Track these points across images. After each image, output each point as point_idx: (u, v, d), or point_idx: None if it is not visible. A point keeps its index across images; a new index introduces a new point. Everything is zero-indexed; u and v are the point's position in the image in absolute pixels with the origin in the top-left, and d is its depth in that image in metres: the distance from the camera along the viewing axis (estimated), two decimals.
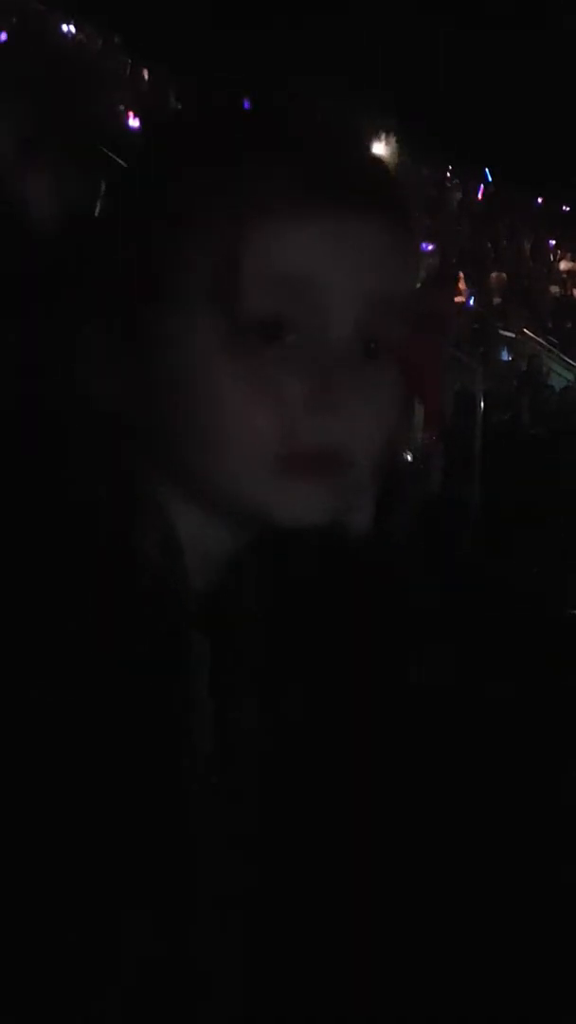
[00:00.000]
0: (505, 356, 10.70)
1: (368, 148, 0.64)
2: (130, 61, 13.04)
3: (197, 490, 0.62)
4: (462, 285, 11.53)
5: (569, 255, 15.40)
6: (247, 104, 0.66)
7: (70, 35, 12.75)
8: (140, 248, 0.61)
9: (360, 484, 0.62)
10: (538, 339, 11.46)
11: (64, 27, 12.68)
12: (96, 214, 0.67)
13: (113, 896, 0.57)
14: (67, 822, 0.55)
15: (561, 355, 11.49)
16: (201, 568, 0.64)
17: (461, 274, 11.52)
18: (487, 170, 15.50)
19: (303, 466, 0.59)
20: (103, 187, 0.68)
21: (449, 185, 14.97)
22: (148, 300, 0.60)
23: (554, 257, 15.33)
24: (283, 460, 0.58)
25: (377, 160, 0.63)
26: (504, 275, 12.13)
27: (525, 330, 11.45)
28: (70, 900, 0.55)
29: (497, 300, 11.66)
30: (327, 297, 0.59)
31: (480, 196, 15.64)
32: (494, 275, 11.98)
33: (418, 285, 0.66)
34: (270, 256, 0.58)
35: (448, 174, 15.20)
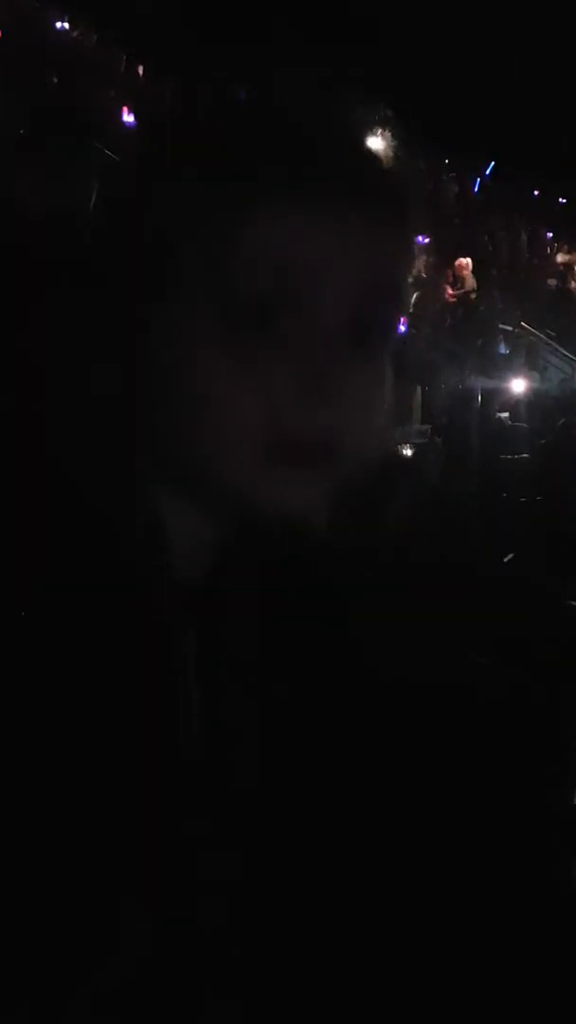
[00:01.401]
0: (503, 349, 10.70)
1: (364, 139, 0.64)
2: (125, 57, 13.00)
3: (186, 478, 0.62)
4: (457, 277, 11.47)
5: (566, 247, 15.37)
6: (244, 95, 0.66)
7: (64, 31, 12.72)
8: (137, 235, 0.61)
9: (348, 474, 0.62)
10: (536, 332, 11.45)
11: (59, 24, 12.65)
12: (95, 204, 0.67)
13: (103, 886, 0.57)
14: (55, 811, 0.56)
15: (559, 348, 11.48)
16: (190, 559, 0.64)
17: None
18: (484, 162, 15.47)
19: (291, 454, 0.59)
20: (102, 177, 0.68)
21: (446, 178, 14.93)
22: (144, 286, 0.61)
23: (551, 249, 15.30)
24: (271, 448, 0.59)
25: (373, 151, 0.63)
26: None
27: (523, 323, 11.44)
28: (58, 891, 0.56)
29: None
30: (319, 286, 0.59)
31: (476, 188, 15.61)
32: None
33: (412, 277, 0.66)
34: (263, 244, 0.58)
35: (445, 166, 15.16)
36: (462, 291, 11.32)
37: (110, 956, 0.58)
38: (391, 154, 0.63)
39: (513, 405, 8.35)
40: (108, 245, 0.63)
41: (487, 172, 15.37)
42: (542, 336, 11.51)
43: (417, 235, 0.65)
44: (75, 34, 12.87)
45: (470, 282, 11.41)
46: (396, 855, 0.83)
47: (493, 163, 15.19)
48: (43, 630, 0.57)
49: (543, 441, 6.23)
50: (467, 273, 11.52)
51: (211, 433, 0.59)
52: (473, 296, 11.29)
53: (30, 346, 0.64)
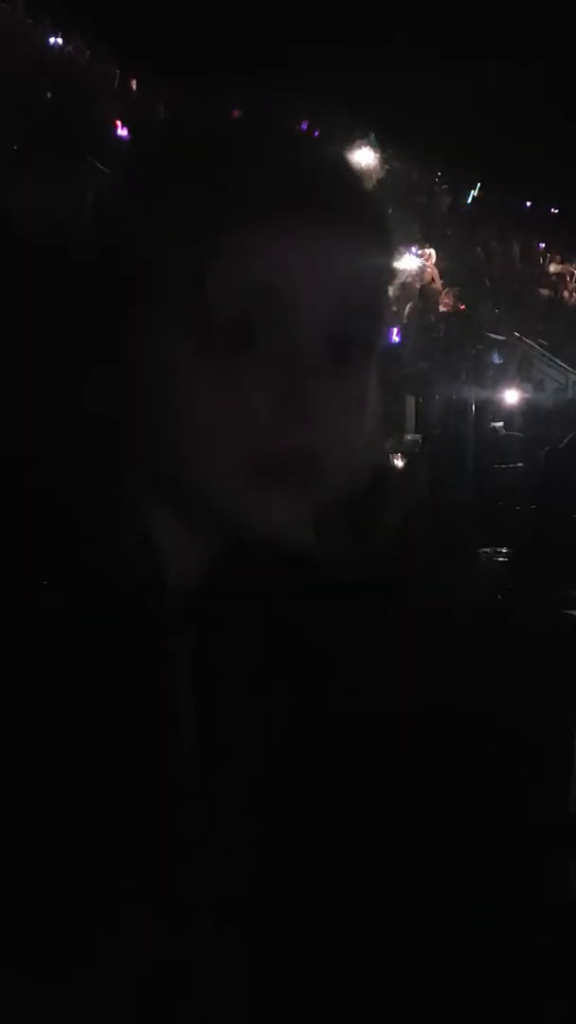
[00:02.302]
0: (496, 359, 10.72)
1: (342, 157, 0.64)
2: (119, 72, 13.05)
3: (174, 494, 0.63)
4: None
5: (559, 257, 15.43)
6: (230, 114, 0.66)
7: (57, 47, 12.76)
8: (117, 255, 0.62)
9: (333, 489, 0.62)
10: (529, 341, 11.48)
11: (52, 39, 12.69)
12: (78, 222, 0.68)
13: (99, 894, 0.58)
14: (48, 813, 0.56)
15: (552, 357, 11.50)
16: (181, 571, 0.64)
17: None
18: (477, 173, 15.52)
19: (274, 473, 0.59)
20: (86, 196, 0.69)
21: (438, 189, 14.99)
22: (125, 306, 0.61)
23: (543, 260, 15.36)
24: (254, 467, 0.59)
25: (350, 169, 0.64)
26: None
27: (516, 333, 11.47)
28: (54, 898, 0.56)
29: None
30: (298, 305, 0.59)
31: (469, 200, 15.67)
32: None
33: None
34: (241, 264, 0.58)
35: (437, 178, 15.22)
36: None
37: (105, 965, 0.59)
38: (369, 172, 0.64)
39: (507, 415, 8.37)
40: (88, 264, 0.64)
41: (476, 189, 15.41)
42: (535, 346, 11.54)
43: (396, 251, 0.66)
44: (69, 48, 12.91)
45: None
46: (394, 863, 0.83)
47: (480, 184, 15.23)
48: (36, 644, 0.57)
49: (547, 449, 6.24)
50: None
51: (195, 450, 0.60)
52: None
53: (17, 362, 0.65)
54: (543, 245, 15.58)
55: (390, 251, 0.65)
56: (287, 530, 0.62)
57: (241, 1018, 0.67)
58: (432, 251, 11.45)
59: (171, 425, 0.60)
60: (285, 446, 0.59)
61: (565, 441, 5.88)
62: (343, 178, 0.63)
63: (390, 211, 0.64)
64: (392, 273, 0.65)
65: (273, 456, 0.59)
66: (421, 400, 7.31)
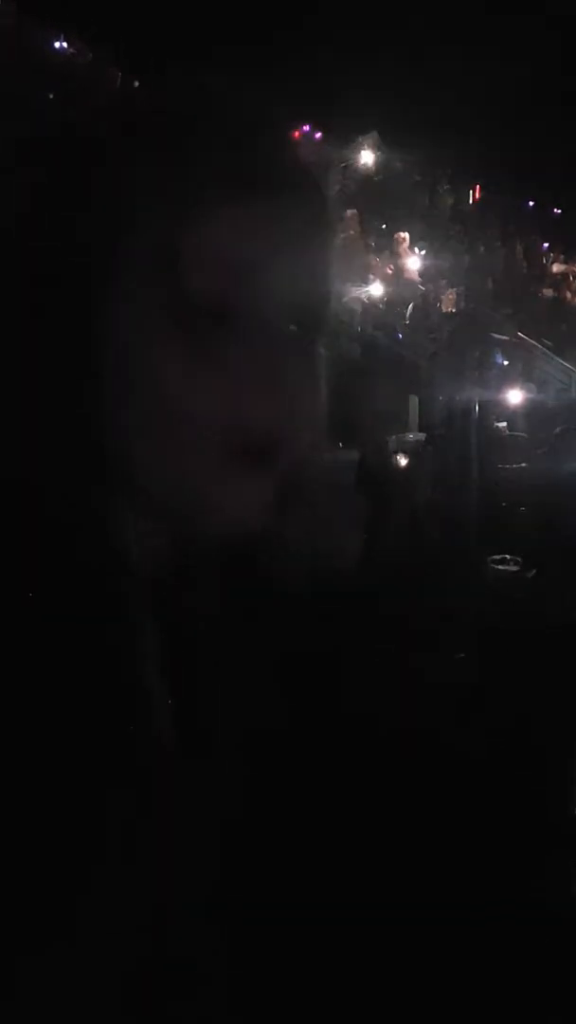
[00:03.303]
0: (499, 359, 10.72)
1: (290, 142, 0.67)
2: (120, 73, 13.07)
3: (141, 477, 0.63)
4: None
5: (562, 257, 15.43)
6: (204, 103, 0.67)
7: (63, 50, 12.80)
8: (88, 233, 0.62)
9: (300, 472, 0.63)
10: (533, 342, 11.48)
11: (56, 44, 12.74)
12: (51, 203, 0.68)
13: (72, 886, 0.57)
14: (14, 809, 0.56)
15: (555, 358, 11.50)
16: (148, 556, 0.64)
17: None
18: (480, 174, 15.54)
19: (241, 454, 0.60)
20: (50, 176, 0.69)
21: (441, 190, 15.00)
22: (95, 285, 0.61)
23: (546, 260, 15.36)
24: (222, 447, 0.60)
25: (301, 153, 0.66)
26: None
27: (519, 333, 11.47)
28: (29, 894, 0.56)
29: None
30: (257, 283, 0.60)
31: (472, 200, 15.68)
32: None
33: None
34: (204, 244, 0.60)
35: (441, 178, 15.22)
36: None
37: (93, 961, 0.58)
38: (319, 157, 0.66)
39: (510, 415, 8.36)
40: (56, 248, 0.64)
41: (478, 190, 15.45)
42: (539, 346, 11.54)
43: (337, 235, 0.69)
44: (71, 51, 12.93)
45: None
46: (393, 862, 0.82)
47: (483, 173, 15.28)
48: (2, 630, 0.57)
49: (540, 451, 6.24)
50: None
51: (162, 431, 0.60)
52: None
53: None
54: (546, 245, 15.58)
55: (335, 235, 0.67)
56: (257, 511, 0.62)
57: (240, 1018, 0.67)
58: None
59: (138, 406, 0.60)
60: (251, 426, 0.60)
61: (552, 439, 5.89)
62: (299, 163, 0.65)
63: (330, 194, 0.67)
64: (335, 259, 0.68)
65: (240, 436, 0.60)
66: (423, 400, 7.32)
